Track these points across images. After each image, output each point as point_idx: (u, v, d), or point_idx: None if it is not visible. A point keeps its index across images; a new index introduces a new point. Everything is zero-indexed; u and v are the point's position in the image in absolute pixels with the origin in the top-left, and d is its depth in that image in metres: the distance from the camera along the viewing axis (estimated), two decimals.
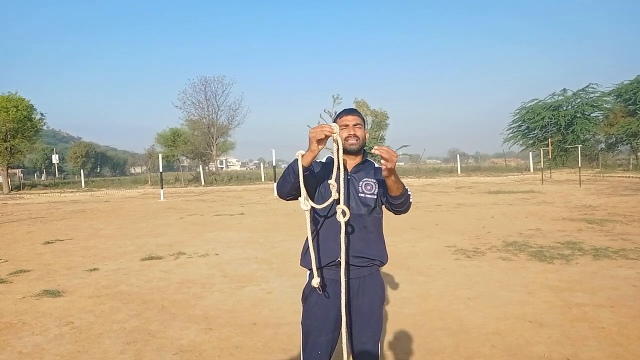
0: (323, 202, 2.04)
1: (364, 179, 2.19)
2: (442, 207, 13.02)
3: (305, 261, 2.17)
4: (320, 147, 1.93)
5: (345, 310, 2.07)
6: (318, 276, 2.06)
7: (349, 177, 2.19)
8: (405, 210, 2.20)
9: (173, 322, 4.06)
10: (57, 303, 4.73)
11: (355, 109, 2.28)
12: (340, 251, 2.01)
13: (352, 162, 2.23)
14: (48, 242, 8.68)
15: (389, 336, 3.60)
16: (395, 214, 2.25)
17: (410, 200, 2.19)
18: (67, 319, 4.20)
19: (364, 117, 2.27)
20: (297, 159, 1.97)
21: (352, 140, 2.17)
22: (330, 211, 2.11)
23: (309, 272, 2.17)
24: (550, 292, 4.56)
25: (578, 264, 5.65)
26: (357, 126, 2.19)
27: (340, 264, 2.03)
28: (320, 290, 2.08)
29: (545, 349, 3.24)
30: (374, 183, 2.19)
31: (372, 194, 2.17)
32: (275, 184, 21.26)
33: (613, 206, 11.65)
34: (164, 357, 3.35)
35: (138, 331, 3.86)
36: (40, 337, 3.79)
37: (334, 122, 2.24)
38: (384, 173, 1.98)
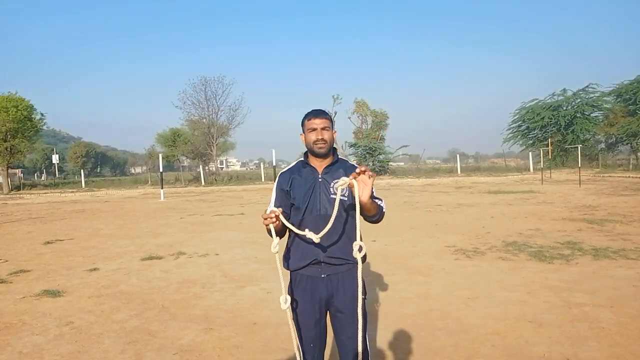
0: (298, 208, 2.17)
1: (336, 180, 2.15)
2: (441, 207, 13.02)
3: (286, 265, 2.25)
4: (276, 224, 2.05)
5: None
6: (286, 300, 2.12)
7: (320, 180, 2.20)
8: (378, 222, 2.24)
9: (173, 322, 4.06)
10: (57, 303, 4.73)
11: (322, 110, 2.25)
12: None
13: (322, 163, 2.23)
14: (48, 242, 8.69)
15: (388, 336, 3.60)
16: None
17: (384, 211, 2.21)
18: (67, 319, 4.21)
19: (331, 118, 2.27)
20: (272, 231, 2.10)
21: (321, 144, 2.18)
22: (304, 219, 2.18)
23: (290, 272, 2.26)
24: (550, 292, 4.56)
25: (578, 264, 5.65)
26: (325, 129, 2.19)
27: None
28: (290, 306, 2.13)
29: (545, 349, 3.24)
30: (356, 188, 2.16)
31: (344, 195, 2.15)
32: None
33: (613, 206, 11.65)
34: (164, 357, 3.35)
35: (138, 331, 3.86)
36: (40, 337, 3.79)
37: (302, 123, 2.25)
38: (363, 200, 1.96)
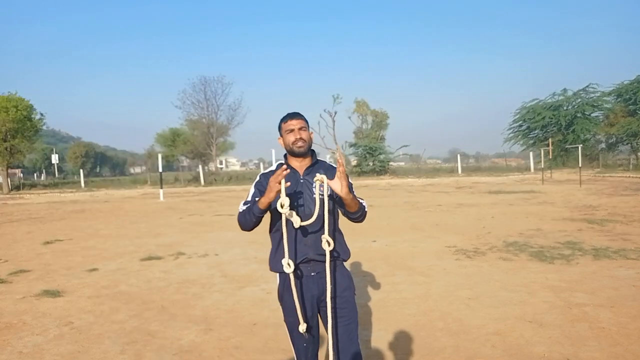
0: (279, 212, 2.09)
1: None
2: (442, 207, 13.02)
3: (274, 266, 2.24)
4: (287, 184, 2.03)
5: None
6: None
7: (302, 180, 2.23)
8: (362, 221, 2.27)
9: (173, 323, 4.06)
10: (57, 303, 4.73)
11: (298, 112, 2.31)
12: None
13: (303, 164, 2.27)
14: (48, 242, 8.68)
15: (389, 336, 3.60)
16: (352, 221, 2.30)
17: (366, 211, 2.26)
18: (67, 319, 4.21)
19: (307, 119, 2.31)
20: (255, 204, 2.11)
21: (300, 144, 2.22)
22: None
23: (278, 274, 2.26)
24: (551, 292, 4.55)
25: (578, 264, 5.65)
26: (302, 129, 2.24)
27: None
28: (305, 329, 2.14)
29: (546, 349, 3.23)
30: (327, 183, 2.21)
31: (322, 194, 2.16)
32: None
33: (613, 206, 11.65)
34: (164, 357, 3.35)
35: (138, 331, 3.86)
36: (40, 337, 3.79)
37: (279, 127, 2.29)
38: (342, 195, 2.04)
